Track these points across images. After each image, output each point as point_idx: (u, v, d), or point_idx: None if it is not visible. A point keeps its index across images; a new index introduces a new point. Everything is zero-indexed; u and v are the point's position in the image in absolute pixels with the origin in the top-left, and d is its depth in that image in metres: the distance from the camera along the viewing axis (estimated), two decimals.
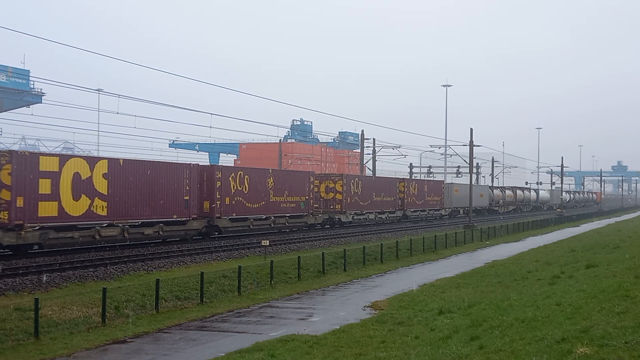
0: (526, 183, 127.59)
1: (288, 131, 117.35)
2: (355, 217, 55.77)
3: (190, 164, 38.12)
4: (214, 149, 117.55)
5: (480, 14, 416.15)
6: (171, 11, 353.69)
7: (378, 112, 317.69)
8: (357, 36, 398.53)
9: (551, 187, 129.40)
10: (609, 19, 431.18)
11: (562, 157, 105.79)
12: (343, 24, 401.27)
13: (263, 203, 42.92)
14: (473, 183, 66.90)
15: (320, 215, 50.97)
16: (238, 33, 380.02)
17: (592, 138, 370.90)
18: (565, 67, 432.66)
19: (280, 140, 79.06)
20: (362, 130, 70.75)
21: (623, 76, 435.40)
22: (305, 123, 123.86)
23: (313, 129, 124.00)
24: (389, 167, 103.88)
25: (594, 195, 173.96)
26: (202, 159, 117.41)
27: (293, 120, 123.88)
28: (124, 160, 33.44)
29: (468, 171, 66.62)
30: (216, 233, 39.77)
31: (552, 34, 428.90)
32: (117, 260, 28.54)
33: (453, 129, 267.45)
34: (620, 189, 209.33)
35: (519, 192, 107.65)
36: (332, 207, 52.67)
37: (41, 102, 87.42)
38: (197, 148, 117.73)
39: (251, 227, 42.34)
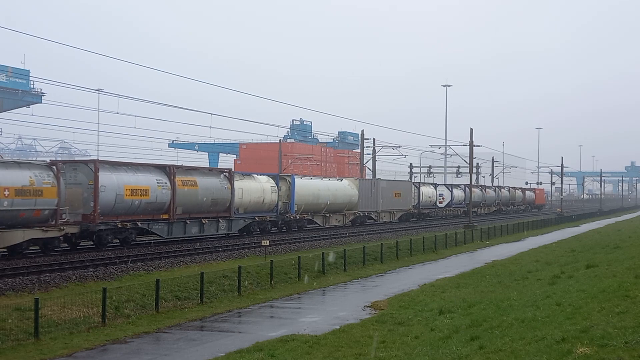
0: (526, 183, 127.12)
1: (288, 131, 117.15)
2: None
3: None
4: (214, 149, 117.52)
5: (481, 14, 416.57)
6: (171, 11, 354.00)
7: (378, 112, 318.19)
8: (357, 36, 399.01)
9: (551, 187, 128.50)
10: (609, 19, 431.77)
11: (562, 157, 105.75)
12: (343, 24, 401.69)
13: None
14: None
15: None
16: (238, 33, 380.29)
17: (592, 138, 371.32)
18: (566, 67, 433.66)
19: (280, 140, 78.97)
20: (362, 130, 70.73)
21: (623, 76, 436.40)
22: (305, 123, 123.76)
23: (313, 129, 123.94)
24: (389, 167, 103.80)
25: (532, 194, 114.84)
26: (202, 159, 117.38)
27: (293, 120, 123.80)
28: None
29: (468, 171, 66.66)
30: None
31: (553, 35, 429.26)
32: (117, 260, 28.56)
33: (453, 129, 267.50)
34: (620, 189, 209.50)
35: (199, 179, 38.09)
36: None
37: (41, 102, 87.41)
38: (197, 148, 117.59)
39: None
